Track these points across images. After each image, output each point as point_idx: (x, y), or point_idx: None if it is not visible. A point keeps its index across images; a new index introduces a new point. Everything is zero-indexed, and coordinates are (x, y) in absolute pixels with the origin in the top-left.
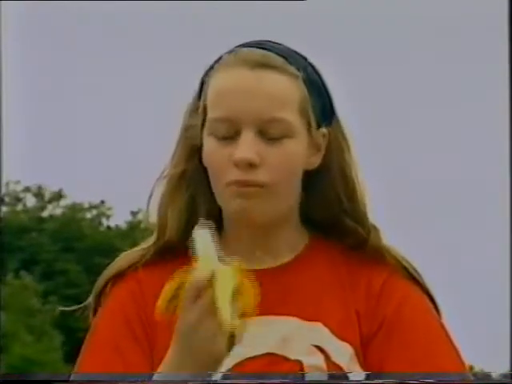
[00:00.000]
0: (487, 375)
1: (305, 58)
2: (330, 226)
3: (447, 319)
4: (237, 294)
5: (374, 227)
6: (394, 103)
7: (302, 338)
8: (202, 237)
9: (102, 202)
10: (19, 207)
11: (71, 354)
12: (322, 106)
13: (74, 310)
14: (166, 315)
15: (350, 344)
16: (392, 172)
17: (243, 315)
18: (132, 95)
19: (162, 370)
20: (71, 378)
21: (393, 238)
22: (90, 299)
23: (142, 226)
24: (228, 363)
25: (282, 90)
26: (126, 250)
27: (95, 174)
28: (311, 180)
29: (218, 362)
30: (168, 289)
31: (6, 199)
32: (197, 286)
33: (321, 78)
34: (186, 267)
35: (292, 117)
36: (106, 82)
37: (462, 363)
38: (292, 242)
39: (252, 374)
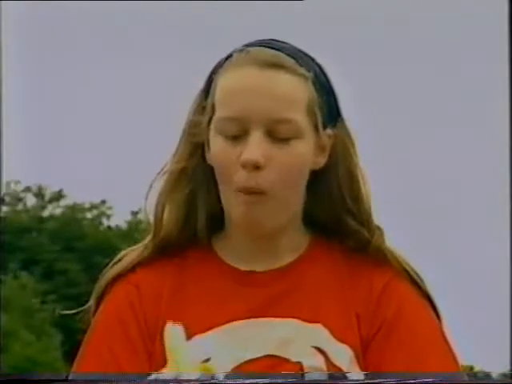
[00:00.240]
0: (487, 375)
1: (312, 59)
2: (333, 227)
3: (447, 320)
4: None
5: (378, 228)
6: (394, 103)
7: (302, 340)
8: (172, 336)
9: (103, 201)
10: (19, 207)
11: (71, 354)
12: (328, 107)
13: (75, 314)
14: None
15: (350, 346)
16: (392, 172)
17: None
18: (132, 95)
19: None
20: (69, 378)
21: (393, 238)
22: (91, 302)
23: (143, 226)
24: (228, 366)
25: (292, 91)
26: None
27: (96, 173)
28: (316, 180)
29: None
30: None
31: (7, 199)
32: None
33: (328, 79)
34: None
35: (300, 118)
36: (106, 82)
37: (458, 368)
38: (294, 244)
39: (252, 373)
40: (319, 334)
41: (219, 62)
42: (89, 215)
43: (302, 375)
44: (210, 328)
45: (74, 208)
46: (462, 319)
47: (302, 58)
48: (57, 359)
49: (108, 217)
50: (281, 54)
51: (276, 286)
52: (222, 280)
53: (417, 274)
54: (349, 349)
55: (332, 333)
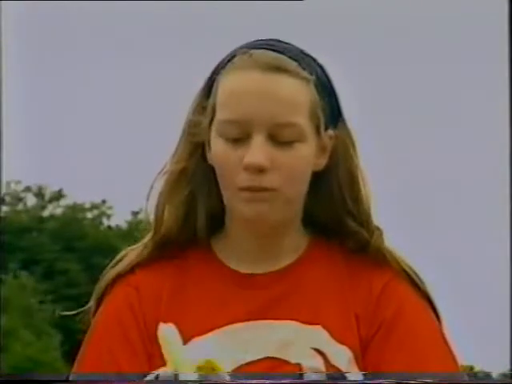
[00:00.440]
0: (487, 375)
1: (314, 60)
2: (333, 228)
3: (447, 320)
4: None
5: (378, 228)
6: (394, 103)
7: (301, 342)
8: (167, 335)
9: (103, 201)
10: (20, 207)
11: (71, 354)
12: (330, 109)
13: (75, 314)
14: None
15: (349, 347)
16: (392, 172)
17: None
18: (132, 95)
19: None
20: (70, 378)
21: (393, 239)
22: (91, 303)
23: (143, 226)
24: (228, 368)
25: (294, 95)
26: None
27: (96, 173)
28: (317, 181)
29: None
30: None
31: (7, 199)
32: None
33: (329, 80)
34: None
35: (303, 121)
36: (106, 82)
37: (457, 368)
38: (293, 245)
39: (252, 374)
40: (318, 335)
41: (221, 63)
42: (89, 215)
43: (301, 375)
44: (209, 330)
45: (75, 208)
46: (461, 319)
47: (304, 60)
48: (57, 359)
49: (108, 217)
50: (283, 57)
51: (275, 288)
52: (222, 282)
53: (416, 274)
54: (348, 350)
55: (331, 334)
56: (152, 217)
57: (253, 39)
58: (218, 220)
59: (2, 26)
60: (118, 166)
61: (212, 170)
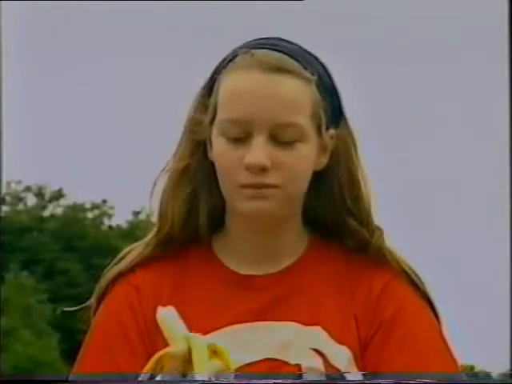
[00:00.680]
0: (487, 375)
1: (316, 59)
2: (333, 227)
3: (447, 320)
4: (214, 358)
5: (378, 228)
6: (394, 103)
7: (301, 343)
8: (168, 317)
9: (104, 201)
10: (20, 207)
11: (71, 354)
12: (332, 109)
13: (76, 311)
14: None
15: (349, 348)
16: (392, 172)
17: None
18: (133, 95)
19: None
20: (70, 378)
21: (393, 238)
22: (92, 300)
23: (144, 225)
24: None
25: (296, 95)
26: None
27: (96, 173)
28: (317, 180)
29: None
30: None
31: (7, 199)
32: (178, 359)
33: (331, 80)
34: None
35: (305, 121)
36: (106, 82)
37: (457, 369)
38: (293, 245)
39: (250, 374)
40: (318, 336)
41: (223, 62)
42: (90, 215)
43: (300, 375)
44: (209, 331)
45: (75, 208)
46: (461, 319)
47: (306, 60)
48: (58, 359)
49: (109, 216)
50: (285, 56)
51: (275, 290)
52: (222, 283)
53: (416, 274)
54: (347, 350)
55: (331, 334)
56: (156, 214)
57: (252, 39)
58: (218, 218)
59: (2, 26)
60: (118, 165)
61: (213, 167)
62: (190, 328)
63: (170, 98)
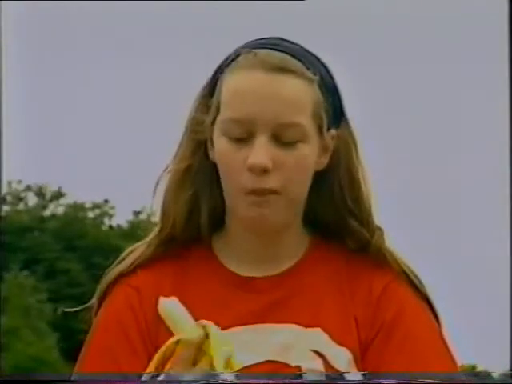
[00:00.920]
0: (488, 375)
1: (318, 59)
2: (334, 227)
3: (448, 320)
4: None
5: (379, 228)
6: (394, 103)
7: (301, 345)
8: (174, 307)
9: (106, 201)
10: (21, 206)
11: (72, 353)
12: (333, 109)
13: (77, 311)
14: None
15: (349, 349)
16: (392, 172)
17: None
18: (133, 95)
19: None
20: (72, 378)
21: (393, 239)
22: (94, 300)
23: (145, 224)
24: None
25: (299, 95)
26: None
27: (97, 173)
28: (318, 180)
29: None
30: (159, 355)
31: (8, 198)
32: (193, 346)
33: (333, 80)
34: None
35: (307, 122)
36: (106, 82)
37: (456, 371)
38: (293, 247)
39: (249, 374)
40: (318, 337)
41: (225, 61)
42: (91, 214)
43: (300, 375)
44: None
45: (76, 207)
46: (461, 319)
47: (308, 60)
48: (59, 358)
49: (110, 216)
50: (288, 57)
51: (275, 292)
52: (222, 285)
53: (416, 276)
54: (348, 351)
55: (331, 336)
56: (158, 214)
57: (252, 39)
58: (219, 218)
59: (2, 26)
60: (118, 165)
61: (214, 167)
62: None
63: (170, 97)
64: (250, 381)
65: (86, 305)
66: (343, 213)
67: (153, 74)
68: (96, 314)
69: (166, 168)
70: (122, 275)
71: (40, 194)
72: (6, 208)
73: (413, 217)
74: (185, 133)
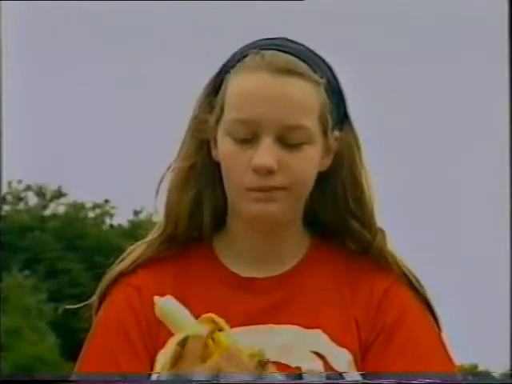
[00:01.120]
0: (487, 374)
1: (324, 61)
2: (335, 228)
3: (448, 320)
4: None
5: (381, 230)
6: (394, 103)
7: (301, 346)
8: (171, 305)
9: (106, 200)
10: (21, 206)
11: (72, 353)
12: (337, 111)
13: (78, 309)
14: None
15: (349, 350)
16: (392, 172)
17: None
18: (133, 95)
19: None
20: (72, 378)
21: (393, 239)
22: (95, 298)
23: (144, 225)
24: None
25: (305, 98)
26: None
27: (98, 173)
28: (320, 181)
29: None
30: (170, 351)
31: (8, 198)
32: (201, 341)
33: (338, 82)
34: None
35: (312, 124)
36: (107, 81)
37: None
38: (294, 248)
39: (248, 374)
40: (318, 339)
41: (231, 61)
42: (91, 214)
43: (300, 376)
44: None
45: (76, 207)
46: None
47: (314, 62)
48: (59, 358)
49: (111, 216)
50: (295, 59)
51: (276, 293)
52: (222, 285)
53: (416, 278)
54: (348, 352)
55: (331, 337)
56: (161, 213)
57: (253, 39)
58: (220, 218)
59: (2, 26)
60: (119, 165)
61: (217, 167)
62: None
63: (171, 97)
64: (251, 381)
65: (86, 302)
66: (345, 214)
67: (153, 73)
68: (96, 312)
69: (170, 166)
70: (122, 275)
71: (40, 193)
72: (6, 208)
73: (413, 217)
74: (188, 131)
